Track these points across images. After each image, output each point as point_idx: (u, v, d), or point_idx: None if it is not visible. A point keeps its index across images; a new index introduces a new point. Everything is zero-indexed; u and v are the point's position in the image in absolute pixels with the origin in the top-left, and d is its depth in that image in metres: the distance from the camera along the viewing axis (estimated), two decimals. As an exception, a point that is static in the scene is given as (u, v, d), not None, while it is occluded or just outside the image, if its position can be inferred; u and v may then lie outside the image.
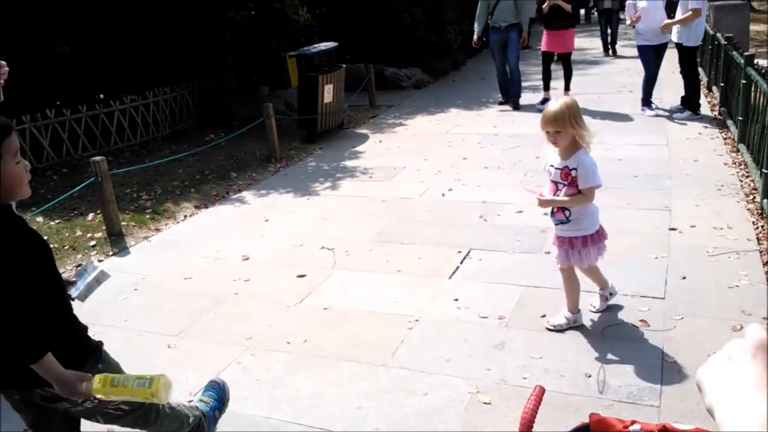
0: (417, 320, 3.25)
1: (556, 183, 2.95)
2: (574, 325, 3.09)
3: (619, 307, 3.23)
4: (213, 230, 4.80)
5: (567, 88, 7.93)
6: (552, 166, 2.95)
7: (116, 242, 4.62)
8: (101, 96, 7.73)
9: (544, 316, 3.19)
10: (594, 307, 3.22)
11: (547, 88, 8.04)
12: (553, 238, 3.13)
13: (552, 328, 3.09)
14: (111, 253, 4.47)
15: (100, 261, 4.28)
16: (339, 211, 5.02)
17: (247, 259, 4.21)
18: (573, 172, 2.86)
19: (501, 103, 8.38)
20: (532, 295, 3.44)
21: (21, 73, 6.63)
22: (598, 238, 2.99)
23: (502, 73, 8.27)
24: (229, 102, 8.36)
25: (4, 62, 2.76)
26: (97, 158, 4.64)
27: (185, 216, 5.17)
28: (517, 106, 8.10)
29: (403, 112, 8.53)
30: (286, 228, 4.73)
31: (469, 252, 4.04)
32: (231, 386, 2.50)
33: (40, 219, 4.98)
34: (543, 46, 8.01)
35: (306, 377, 2.85)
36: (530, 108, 7.88)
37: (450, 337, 3.08)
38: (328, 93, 7.35)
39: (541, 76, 8.18)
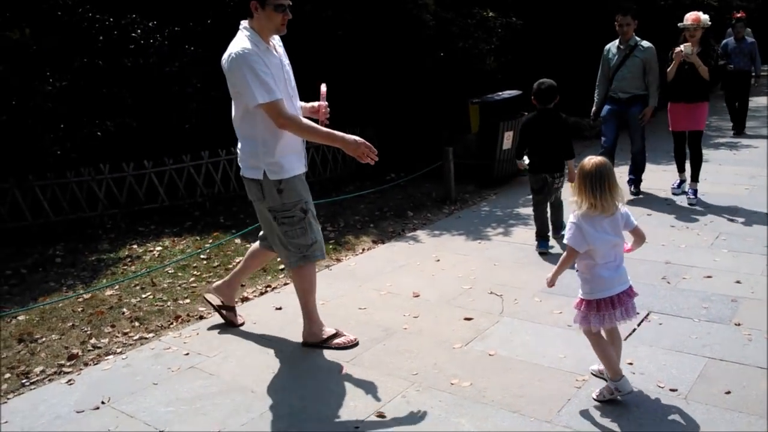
0: (585, 380, 3.15)
1: None
2: (620, 394, 2.88)
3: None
4: (388, 265, 5.02)
5: (695, 179, 6.29)
6: None
7: (300, 268, 5.01)
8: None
9: (728, 392, 2.93)
10: (594, 396, 2.98)
11: (682, 169, 6.59)
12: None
13: (595, 398, 2.95)
14: (295, 277, 4.86)
15: (285, 284, 4.68)
16: (510, 258, 5.01)
17: (418, 296, 4.35)
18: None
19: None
20: (717, 368, 3.18)
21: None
22: (587, 306, 2.89)
23: (607, 154, 5.94)
24: (412, 143, 8.71)
25: (325, 103, 3.52)
26: (292, 190, 5.09)
27: (363, 249, 5.47)
28: (638, 192, 6.63)
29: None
30: (456, 269, 4.82)
31: (648, 315, 3.83)
32: (394, 418, 2.59)
33: (238, 241, 5.56)
34: (670, 125, 6.34)
35: (468, 420, 2.87)
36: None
37: (619, 403, 2.93)
38: (507, 140, 7.41)
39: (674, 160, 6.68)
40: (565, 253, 2.97)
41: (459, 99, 9.09)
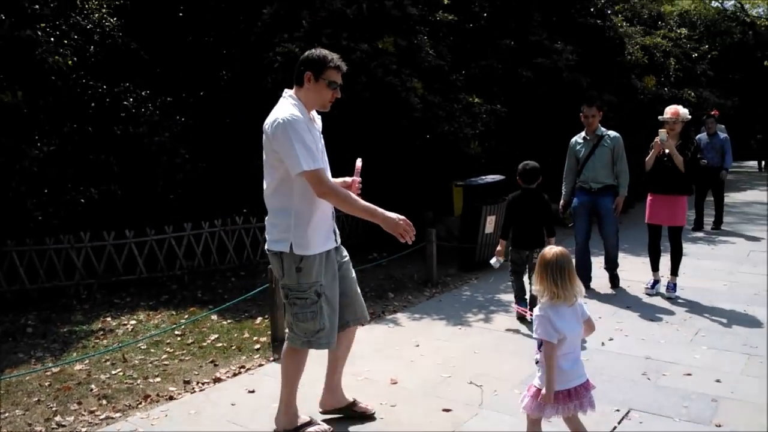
0: (565, 481, 3.06)
1: None
2: None
3: None
4: (366, 348, 4.94)
5: (674, 273, 6.27)
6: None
7: (278, 348, 4.91)
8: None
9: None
10: None
11: (656, 267, 6.45)
12: None
13: None
14: (272, 358, 4.75)
15: (260, 366, 4.57)
16: (490, 346, 4.96)
17: (396, 383, 4.26)
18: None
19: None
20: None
21: (219, 184, 7.62)
22: (576, 394, 2.94)
23: (582, 249, 6.37)
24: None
25: (359, 178, 3.50)
26: (273, 267, 5.06)
27: (342, 330, 5.38)
28: (616, 284, 6.54)
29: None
30: (435, 356, 4.75)
31: (628, 412, 3.78)
32: None
33: (214, 317, 5.46)
34: (647, 217, 6.32)
35: None
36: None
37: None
38: (490, 224, 7.49)
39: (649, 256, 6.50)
40: (542, 353, 2.95)
41: (443, 181, 9.25)
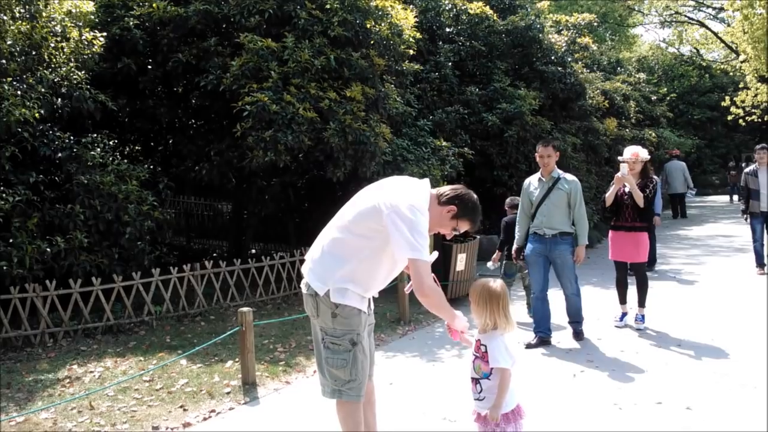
0: None
1: (473, 354, 3.19)
2: None
3: None
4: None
5: (641, 305, 6.31)
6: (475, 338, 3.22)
7: (248, 391, 4.84)
8: (254, 251, 8.49)
9: None
10: None
11: (623, 300, 6.48)
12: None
13: None
14: (243, 402, 4.67)
15: (231, 409, 4.50)
16: (463, 381, 4.94)
17: (369, 422, 4.21)
18: (482, 347, 3.13)
19: (529, 346, 5.78)
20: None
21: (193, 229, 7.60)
22: (513, 416, 3.07)
23: (539, 299, 5.86)
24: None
25: None
26: (245, 309, 5.00)
27: (314, 371, 5.32)
28: (580, 337, 5.98)
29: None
30: (409, 394, 4.73)
31: (600, 441, 3.79)
32: None
33: (183, 362, 5.37)
34: (610, 254, 6.38)
35: None
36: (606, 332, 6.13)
37: None
38: (460, 262, 7.56)
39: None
40: (500, 379, 3.07)
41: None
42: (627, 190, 6.19)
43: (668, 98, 21.81)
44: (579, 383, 4.86)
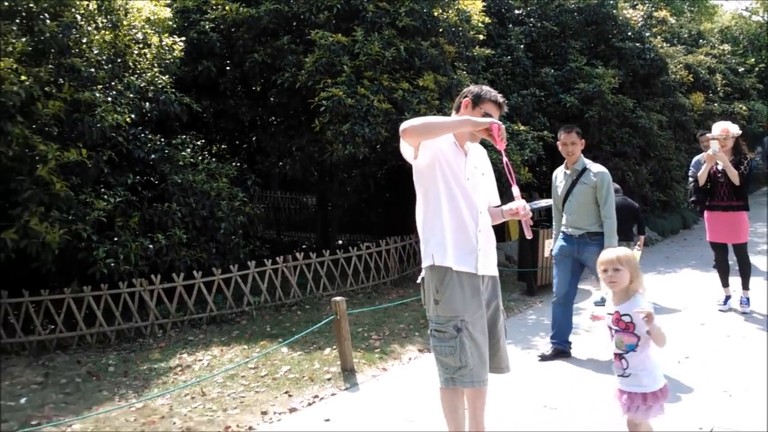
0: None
1: (610, 328, 3.01)
2: None
3: None
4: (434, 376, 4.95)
5: (745, 287, 6.12)
6: (608, 313, 3.05)
7: (348, 378, 4.98)
8: (340, 242, 8.66)
9: None
10: None
11: (726, 283, 6.25)
12: None
13: None
14: (344, 387, 4.81)
15: (333, 395, 4.64)
16: (562, 369, 4.91)
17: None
18: (625, 318, 2.91)
19: (544, 358, 5.19)
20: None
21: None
22: (662, 395, 2.96)
23: (561, 304, 5.23)
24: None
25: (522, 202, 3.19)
26: (338, 298, 5.15)
27: (410, 359, 5.43)
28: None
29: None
30: (507, 382, 4.71)
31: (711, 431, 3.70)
32: None
33: (284, 350, 5.57)
34: (708, 235, 6.19)
35: None
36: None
37: None
38: (548, 247, 7.46)
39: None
40: (652, 329, 2.89)
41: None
42: (720, 168, 5.94)
43: (757, 69, 20.60)
44: (684, 369, 4.73)
